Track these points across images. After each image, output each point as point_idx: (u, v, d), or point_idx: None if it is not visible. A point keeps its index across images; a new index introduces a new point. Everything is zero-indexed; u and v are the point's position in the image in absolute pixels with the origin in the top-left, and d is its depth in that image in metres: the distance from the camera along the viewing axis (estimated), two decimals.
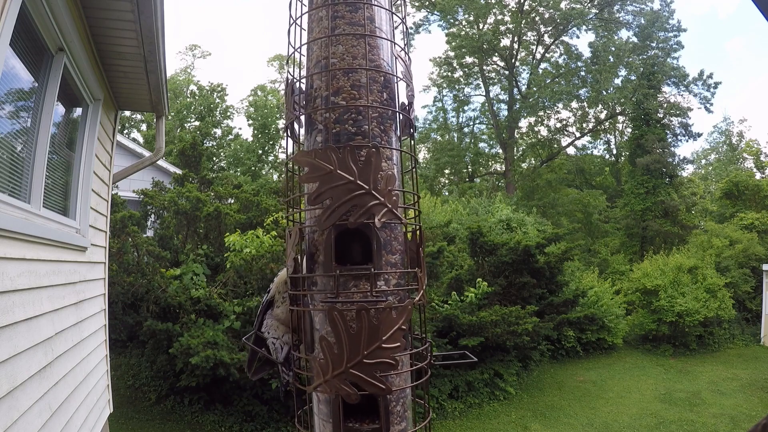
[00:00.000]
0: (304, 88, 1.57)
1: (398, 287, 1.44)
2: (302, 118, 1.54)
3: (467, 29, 28.40)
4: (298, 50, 1.60)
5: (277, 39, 54.17)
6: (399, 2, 1.68)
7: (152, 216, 9.64)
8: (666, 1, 25.30)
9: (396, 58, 1.58)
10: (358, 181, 1.34)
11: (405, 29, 1.65)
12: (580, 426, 8.19)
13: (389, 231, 1.43)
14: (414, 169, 1.58)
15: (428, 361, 1.51)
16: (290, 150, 1.63)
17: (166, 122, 5.61)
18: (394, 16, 1.63)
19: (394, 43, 1.59)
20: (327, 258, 1.39)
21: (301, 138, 1.60)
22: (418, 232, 1.51)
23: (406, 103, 1.56)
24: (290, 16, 1.58)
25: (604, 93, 26.93)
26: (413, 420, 1.49)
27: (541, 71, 28.57)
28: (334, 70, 1.46)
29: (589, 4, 26.92)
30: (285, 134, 1.58)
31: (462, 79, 30.19)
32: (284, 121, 1.55)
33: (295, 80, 1.55)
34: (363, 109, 1.45)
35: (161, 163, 12.69)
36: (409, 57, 1.62)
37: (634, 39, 25.98)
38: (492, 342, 8.81)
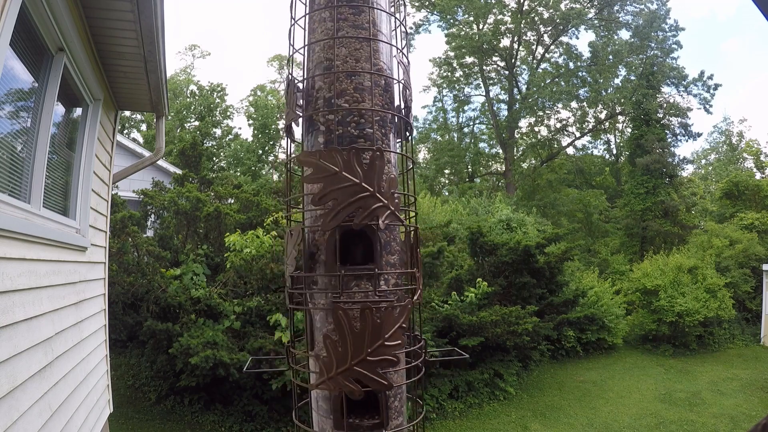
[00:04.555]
0: (302, 88, 1.56)
1: (396, 287, 1.47)
2: (301, 118, 1.55)
3: (467, 29, 28.38)
4: (300, 51, 1.59)
5: (277, 39, 54.21)
6: (398, 3, 1.68)
7: (152, 216, 9.64)
8: (662, 1, 25.30)
9: (398, 62, 1.59)
10: (363, 184, 1.36)
11: (405, 31, 1.65)
12: (580, 426, 8.19)
13: (389, 232, 1.46)
14: (410, 170, 1.59)
15: (423, 359, 1.54)
16: (292, 150, 1.63)
17: (166, 122, 5.61)
18: (392, 17, 1.63)
19: (394, 47, 1.60)
20: (330, 258, 1.40)
21: (298, 137, 1.61)
22: (413, 233, 1.53)
23: (403, 107, 1.57)
24: (291, 17, 1.58)
25: (604, 93, 26.93)
26: (407, 416, 1.53)
27: (541, 71, 28.56)
28: (337, 72, 1.46)
29: (589, 4, 26.91)
30: (285, 134, 1.58)
31: (462, 79, 30.19)
32: (284, 121, 1.53)
33: (296, 80, 1.53)
34: (366, 112, 1.47)
35: (161, 163, 12.69)
36: (408, 59, 1.62)
37: (633, 39, 25.96)
38: (492, 342, 8.81)
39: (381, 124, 1.50)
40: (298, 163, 1.41)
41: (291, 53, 1.58)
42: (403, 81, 1.57)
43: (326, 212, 1.36)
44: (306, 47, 1.56)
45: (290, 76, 1.54)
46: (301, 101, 1.53)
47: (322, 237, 1.41)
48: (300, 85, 1.57)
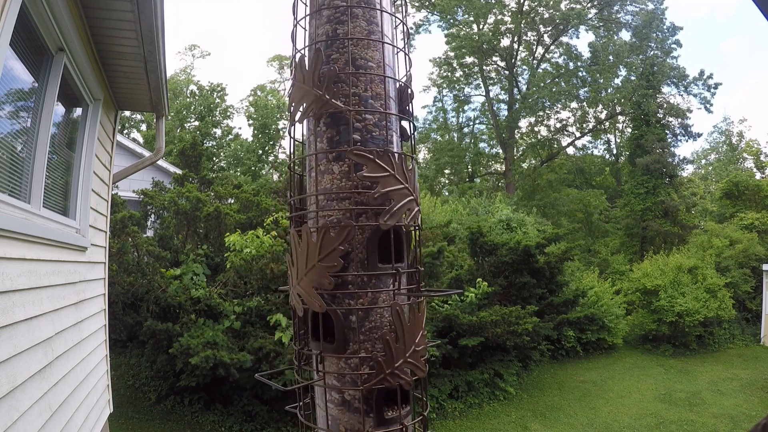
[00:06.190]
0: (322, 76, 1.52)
1: (415, 283, 1.57)
2: (334, 111, 1.52)
3: (467, 29, 28.39)
4: (312, 46, 1.57)
5: (277, 39, 54.22)
6: (399, 3, 1.70)
7: (152, 216, 9.64)
8: (659, 1, 25.29)
9: (408, 68, 1.64)
10: (409, 188, 1.45)
11: (406, 31, 1.66)
12: (580, 426, 8.19)
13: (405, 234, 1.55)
14: (414, 174, 1.62)
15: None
16: (292, 148, 1.61)
17: (166, 122, 5.61)
18: (396, 17, 1.64)
19: (400, 49, 1.62)
20: (371, 256, 1.43)
21: (300, 126, 1.58)
22: (417, 232, 1.58)
23: (411, 112, 1.63)
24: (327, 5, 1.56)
25: (604, 93, 26.95)
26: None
27: (541, 71, 28.57)
28: (373, 74, 1.50)
29: (589, 4, 26.92)
30: (307, 118, 1.52)
31: (462, 79, 30.21)
32: (312, 108, 1.47)
33: (334, 69, 1.48)
34: (393, 118, 1.54)
35: (161, 163, 12.69)
36: (410, 60, 1.64)
37: (633, 39, 25.96)
38: (492, 342, 8.81)
39: (399, 130, 1.57)
40: (352, 156, 1.42)
41: (315, 40, 1.56)
42: (410, 86, 1.62)
43: (385, 211, 1.41)
44: (332, 39, 1.53)
45: (332, 66, 1.49)
46: (328, 88, 1.50)
47: (359, 235, 1.44)
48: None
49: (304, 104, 1.49)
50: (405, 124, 1.61)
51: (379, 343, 1.39)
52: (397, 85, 1.59)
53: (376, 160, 1.40)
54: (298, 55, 1.57)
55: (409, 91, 1.60)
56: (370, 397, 1.41)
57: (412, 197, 1.44)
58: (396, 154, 1.44)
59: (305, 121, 1.56)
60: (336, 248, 1.39)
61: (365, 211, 1.43)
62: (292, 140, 1.60)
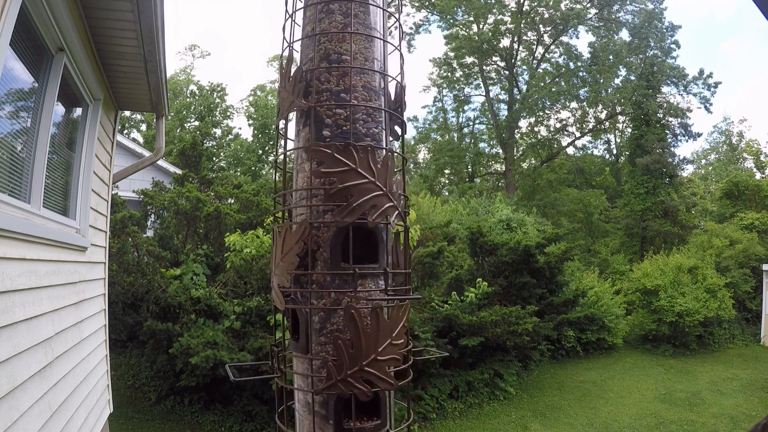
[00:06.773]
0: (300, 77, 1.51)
1: (397, 286, 1.47)
2: (302, 109, 1.49)
3: (467, 30, 28.39)
4: (302, 41, 1.57)
5: (277, 39, 54.01)
6: (395, 2, 1.69)
7: (152, 216, 9.64)
8: (659, 1, 25.28)
9: (401, 63, 1.61)
10: (377, 183, 1.36)
11: (401, 29, 1.65)
12: (580, 426, 8.19)
13: (387, 232, 1.46)
14: (400, 170, 1.57)
15: (411, 362, 1.50)
16: (284, 146, 1.62)
17: (166, 122, 5.61)
18: (389, 14, 1.63)
19: (394, 45, 1.60)
20: (334, 255, 1.37)
21: (291, 128, 1.57)
22: (407, 233, 1.53)
23: (398, 105, 1.57)
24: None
25: (604, 93, 26.95)
26: (394, 417, 1.53)
27: (541, 71, 28.57)
28: (347, 67, 1.45)
29: (589, 4, 26.91)
30: (283, 119, 1.54)
31: (462, 79, 30.19)
32: (283, 109, 1.49)
33: (303, 69, 1.49)
34: (373, 111, 1.47)
35: (161, 163, 12.68)
36: (403, 57, 1.62)
37: (632, 39, 25.96)
38: (492, 342, 8.81)
39: (385, 124, 1.51)
40: (311, 153, 1.37)
41: (291, 41, 1.56)
42: (399, 80, 1.58)
43: (342, 207, 1.34)
44: (310, 37, 1.52)
45: (299, 64, 1.50)
46: (299, 89, 1.49)
47: (326, 233, 1.38)
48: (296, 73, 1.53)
49: (282, 104, 1.50)
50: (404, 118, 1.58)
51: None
52: (386, 78, 1.54)
53: (335, 155, 1.34)
54: (286, 52, 1.56)
55: (390, 80, 1.57)
56: (329, 402, 1.35)
57: (380, 192, 1.36)
58: (359, 148, 1.35)
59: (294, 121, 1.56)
60: (293, 247, 1.36)
61: (331, 209, 1.38)
62: (277, 139, 1.60)
